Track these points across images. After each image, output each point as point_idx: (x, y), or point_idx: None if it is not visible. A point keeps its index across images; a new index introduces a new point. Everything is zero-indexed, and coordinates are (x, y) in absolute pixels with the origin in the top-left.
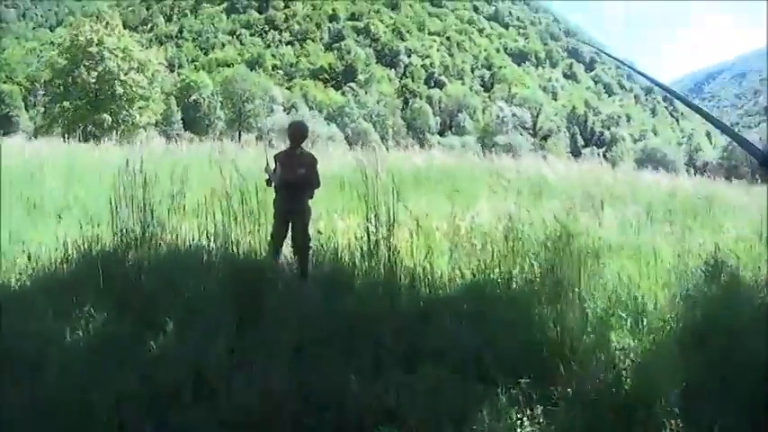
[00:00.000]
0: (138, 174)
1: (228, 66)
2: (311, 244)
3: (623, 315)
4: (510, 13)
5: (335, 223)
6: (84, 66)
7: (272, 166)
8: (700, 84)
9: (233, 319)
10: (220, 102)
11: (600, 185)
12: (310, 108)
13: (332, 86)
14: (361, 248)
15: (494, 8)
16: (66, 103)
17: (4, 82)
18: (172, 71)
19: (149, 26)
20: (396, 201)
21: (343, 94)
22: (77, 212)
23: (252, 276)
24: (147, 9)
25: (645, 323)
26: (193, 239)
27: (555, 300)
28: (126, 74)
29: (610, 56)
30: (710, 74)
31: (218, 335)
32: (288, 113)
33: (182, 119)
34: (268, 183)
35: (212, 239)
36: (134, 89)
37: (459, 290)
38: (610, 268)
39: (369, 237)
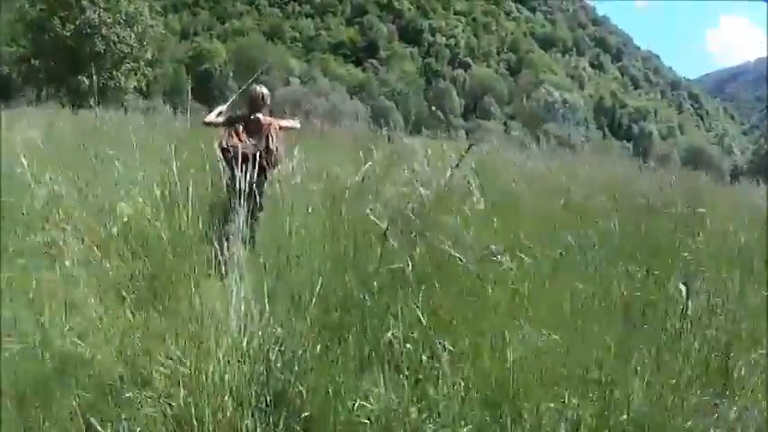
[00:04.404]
0: None
1: (244, 35)
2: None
3: None
4: None
5: None
6: (59, 17)
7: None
8: (722, 83)
9: None
10: (233, 71)
11: None
12: (330, 80)
13: (352, 62)
14: None
15: None
16: (35, 62)
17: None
18: (186, 39)
19: None
20: None
21: (363, 70)
22: None
23: None
24: None
25: None
26: None
27: None
28: (109, 28)
29: None
30: (733, 74)
31: None
32: (305, 85)
33: (191, 88)
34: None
35: None
36: (119, 46)
37: None
38: None
39: None
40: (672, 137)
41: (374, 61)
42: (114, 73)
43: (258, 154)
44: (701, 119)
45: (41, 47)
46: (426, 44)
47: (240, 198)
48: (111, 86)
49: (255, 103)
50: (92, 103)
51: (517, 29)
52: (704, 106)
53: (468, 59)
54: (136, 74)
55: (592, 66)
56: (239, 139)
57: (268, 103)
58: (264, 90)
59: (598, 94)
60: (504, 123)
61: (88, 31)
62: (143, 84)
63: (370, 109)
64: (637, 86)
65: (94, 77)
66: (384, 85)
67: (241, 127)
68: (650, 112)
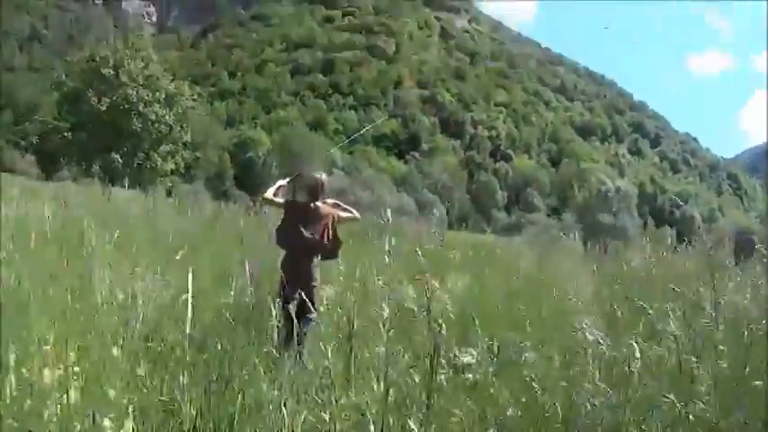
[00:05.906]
0: None
1: (288, 125)
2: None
3: None
4: (575, 86)
5: None
6: (95, 90)
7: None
8: (756, 160)
9: None
10: (276, 161)
11: None
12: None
13: (394, 154)
14: None
15: (559, 81)
16: (68, 135)
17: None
18: (231, 126)
19: (213, 81)
20: None
21: (405, 162)
22: None
23: None
24: (212, 65)
25: None
26: None
27: None
28: (147, 106)
29: None
30: (767, 150)
31: None
32: (348, 176)
33: (234, 176)
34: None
35: None
36: (156, 126)
37: None
38: None
39: None
40: (713, 220)
41: (416, 153)
42: (151, 153)
43: (315, 246)
44: (741, 199)
45: (77, 120)
46: (468, 136)
47: (293, 292)
48: (147, 167)
49: (315, 191)
50: (125, 182)
51: (556, 118)
52: (743, 186)
53: (510, 151)
54: (174, 156)
55: (630, 152)
56: (295, 229)
57: (327, 191)
58: (324, 177)
59: (638, 180)
60: (559, 218)
61: (125, 107)
62: (181, 167)
63: (414, 201)
64: (676, 171)
65: (129, 156)
66: (426, 177)
67: (299, 215)
68: (692, 195)
